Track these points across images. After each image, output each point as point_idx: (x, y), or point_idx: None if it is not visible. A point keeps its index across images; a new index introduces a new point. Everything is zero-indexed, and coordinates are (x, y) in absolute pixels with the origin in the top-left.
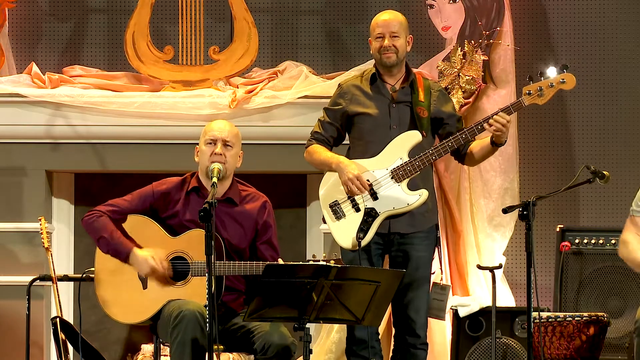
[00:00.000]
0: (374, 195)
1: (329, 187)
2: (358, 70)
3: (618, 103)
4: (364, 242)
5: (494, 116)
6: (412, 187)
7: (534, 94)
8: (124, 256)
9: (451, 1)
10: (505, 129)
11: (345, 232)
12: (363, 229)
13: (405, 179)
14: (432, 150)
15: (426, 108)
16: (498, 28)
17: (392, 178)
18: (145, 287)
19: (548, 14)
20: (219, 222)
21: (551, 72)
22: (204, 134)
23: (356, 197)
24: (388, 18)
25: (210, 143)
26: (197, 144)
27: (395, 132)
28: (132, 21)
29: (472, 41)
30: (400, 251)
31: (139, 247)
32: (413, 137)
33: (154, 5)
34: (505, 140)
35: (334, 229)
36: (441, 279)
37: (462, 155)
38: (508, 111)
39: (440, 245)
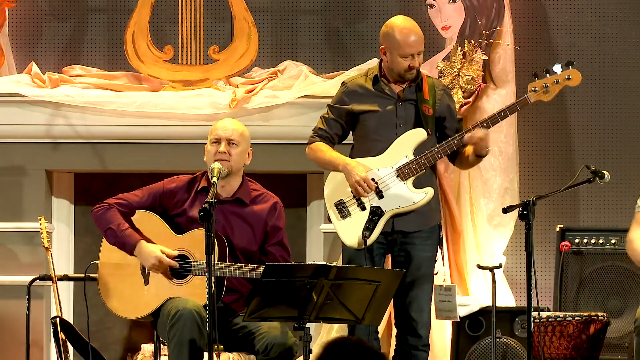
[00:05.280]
0: (380, 194)
1: (334, 186)
2: (358, 70)
3: (618, 103)
4: (369, 241)
5: (467, 133)
6: (417, 183)
7: (540, 91)
8: (130, 247)
9: (451, 1)
10: (482, 143)
11: (351, 231)
12: (369, 227)
13: (410, 177)
14: (437, 148)
15: (431, 106)
16: (498, 27)
17: (397, 176)
18: (147, 283)
19: (548, 14)
20: (226, 222)
21: (556, 68)
22: (209, 133)
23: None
24: (417, 37)
25: (215, 142)
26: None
27: (401, 130)
28: (132, 21)
29: (472, 41)
30: (403, 251)
31: (147, 239)
32: (418, 135)
33: (154, 5)
34: (487, 152)
35: (339, 228)
36: (444, 280)
37: (456, 155)
38: (514, 108)
39: (442, 246)
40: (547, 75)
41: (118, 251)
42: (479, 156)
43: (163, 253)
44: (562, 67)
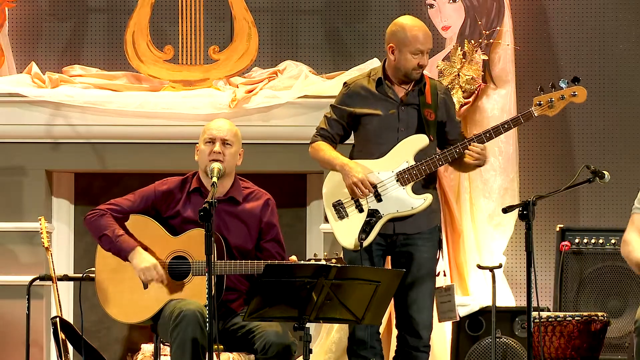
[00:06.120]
0: (378, 197)
1: (333, 186)
2: (359, 70)
3: (618, 103)
4: (365, 244)
5: (469, 146)
6: (416, 188)
7: (545, 105)
8: (126, 254)
9: (451, 1)
10: (482, 157)
11: (348, 232)
12: (365, 230)
13: (410, 182)
14: (439, 155)
15: (433, 110)
16: (498, 27)
17: (397, 181)
18: (146, 286)
19: (548, 14)
20: (221, 221)
21: (562, 84)
22: (202, 133)
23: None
24: (428, 35)
25: (209, 142)
26: (197, 143)
27: (402, 134)
28: (132, 21)
29: (472, 41)
30: (403, 252)
31: (142, 245)
32: (420, 140)
33: (154, 5)
34: (483, 165)
35: (336, 229)
36: (444, 281)
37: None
38: (517, 122)
39: (442, 247)
40: (553, 89)
41: (114, 257)
42: (478, 166)
43: (156, 270)
44: (568, 83)
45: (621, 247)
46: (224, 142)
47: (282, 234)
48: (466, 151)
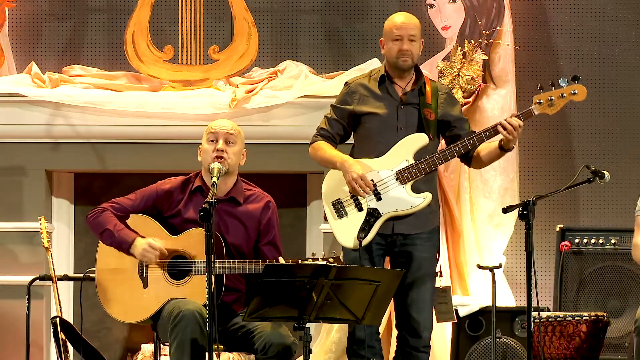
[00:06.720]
0: (378, 196)
1: (333, 185)
2: (359, 70)
3: (618, 103)
4: (365, 242)
5: (507, 118)
6: (416, 188)
7: (545, 104)
8: (127, 245)
9: (451, 1)
10: (516, 134)
11: (347, 231)
12: (365, 228)
13: (410, 181)
14: (438, 154)
15: (433, 111)
16: (498, 27)
17: (396, 179)
18: (145, 286)
19: (548, 14)
20: (221, 221)
21: (562, 82)
22: (206, 132)
23: (359, 197)
24: (407, 21)
25: (212, 141)
26: (197, 143)
27: (402, 133)
28: (132, 21)
29: (472, 41)
30: (403, 252)
31: (143, 237)
32: (420, 139)
33: (154, 5)
34: (514, 146)
35: (335, 228)
36: (440, 282)
37: (469, 157)
38: (517, 119)
39: (439, 247)
40: (553, 88)
41: (114, 257)
42: (504, 149)
43: (153, 239)
44: (567, 82)
45: (632, 252)
46: (227, 141)
47: (282, 234)
48: (501, 125)
